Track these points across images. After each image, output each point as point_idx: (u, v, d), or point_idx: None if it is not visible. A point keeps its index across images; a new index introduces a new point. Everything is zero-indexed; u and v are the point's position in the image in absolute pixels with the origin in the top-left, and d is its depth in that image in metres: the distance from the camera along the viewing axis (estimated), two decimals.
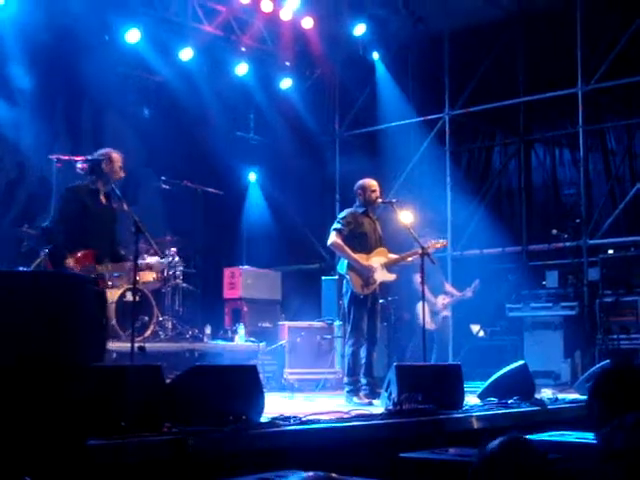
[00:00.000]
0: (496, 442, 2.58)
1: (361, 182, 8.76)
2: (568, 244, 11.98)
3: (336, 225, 8.54)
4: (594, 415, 3.35)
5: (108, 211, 7.47)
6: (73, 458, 3.81)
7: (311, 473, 1.69)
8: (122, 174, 7.48)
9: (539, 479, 2.40)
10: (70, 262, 6.93)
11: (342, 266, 8.50)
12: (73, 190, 7.40)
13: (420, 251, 8.33)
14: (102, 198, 7.41)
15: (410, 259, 8.83)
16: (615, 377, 3.50)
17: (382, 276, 8.48)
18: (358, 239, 8.50)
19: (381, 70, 14.25)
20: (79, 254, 7.00)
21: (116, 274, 9.63)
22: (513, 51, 13.61)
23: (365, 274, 8.34)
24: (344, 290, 8.57)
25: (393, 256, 8.70)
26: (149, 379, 4.88)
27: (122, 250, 7.60)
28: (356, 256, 8.37)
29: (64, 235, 7.13)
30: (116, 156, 7.45)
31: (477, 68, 13.54)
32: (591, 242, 12.00)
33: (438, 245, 9.42)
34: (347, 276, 8.38)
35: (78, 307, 4.11)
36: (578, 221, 11.90)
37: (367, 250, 8.50)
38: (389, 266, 8.58)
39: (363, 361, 8.31)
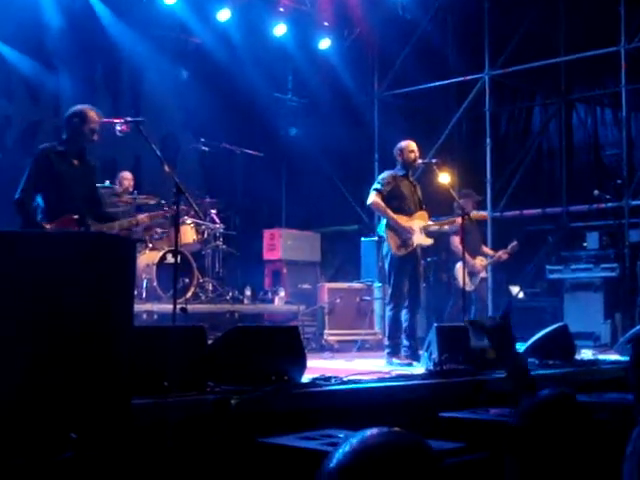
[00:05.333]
0: (543, 396, 2.58)
1: (399, 144, 8.68)
2: (609, 205, 11.84)
3: (376, 185, 8.49)
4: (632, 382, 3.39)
5: (81, 171, 6.96)
6: (117, 416, 3.87)
7: (375, 429, 1.69)
8: (95, 137, 6.87)
9: (584, 436, 2.40)
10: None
11: (381, 227, 8.47)
12: (42, 154, 6.85)
13: (459, 218, 8.33)
14: (74, 160, 6.91)
15: (447, 227, 8.86)
16: None
17: (420, 240, 8.39)
18: (397, 200, 8.43)
19: (420, 30, 14.08)
20: (57, 222, 6.56)
21: (156, 236, 9.79)
22: (554, 9, 13.38)
23: (403, 235, 8.27)
24: (384, 252, 8.51)
25: (433, 222, 8.68)
26: (192, 340, 4.92)
27: (106, 208, 7.44)
28: (396, 217, 8.32)
29: (39, 204, 6.67)
30: (92, 115, 6.86)
31: (517, 27, 13.35)
32: (633, 203, 11.84)
33: (478, 216, 9.44)
34: (385, 235, 8.31)
35: (127, 267, 4.16)
36: (620, 182, 11.74)
37: (407, 213, 8.42)
38: (427, 231, 8.54)
39: (405, 324, 8.25)
